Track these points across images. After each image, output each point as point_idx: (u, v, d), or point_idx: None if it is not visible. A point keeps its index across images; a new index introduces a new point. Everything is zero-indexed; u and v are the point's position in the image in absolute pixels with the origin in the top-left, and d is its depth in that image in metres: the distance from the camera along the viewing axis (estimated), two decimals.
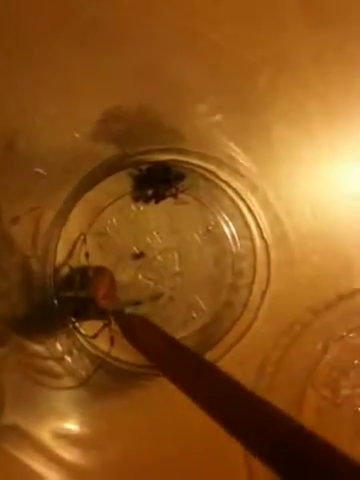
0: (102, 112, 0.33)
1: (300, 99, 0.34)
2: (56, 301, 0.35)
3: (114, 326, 0.32)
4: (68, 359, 0.34)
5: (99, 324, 0.33)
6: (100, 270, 0.35)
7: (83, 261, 0.35)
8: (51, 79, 0.31)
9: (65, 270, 0.35)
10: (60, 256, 0.36)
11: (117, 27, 0.30)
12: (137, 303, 0.36)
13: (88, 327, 0.35)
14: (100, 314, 0.33)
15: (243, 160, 0.36)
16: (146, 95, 0.33)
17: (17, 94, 0.31)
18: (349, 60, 0.33)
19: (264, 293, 0.37)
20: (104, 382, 0.35)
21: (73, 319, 0.34)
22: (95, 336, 0.34)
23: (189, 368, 0.25)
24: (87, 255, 0.35)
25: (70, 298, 0.33)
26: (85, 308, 0.33)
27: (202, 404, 0.23)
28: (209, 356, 0.36)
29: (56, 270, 0.35)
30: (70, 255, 0.35)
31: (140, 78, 0.32)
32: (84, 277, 0.34)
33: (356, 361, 0.37)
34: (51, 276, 0.35)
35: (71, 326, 0.34)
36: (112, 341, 0.34)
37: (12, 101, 0.31)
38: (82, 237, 0.35)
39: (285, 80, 0.33)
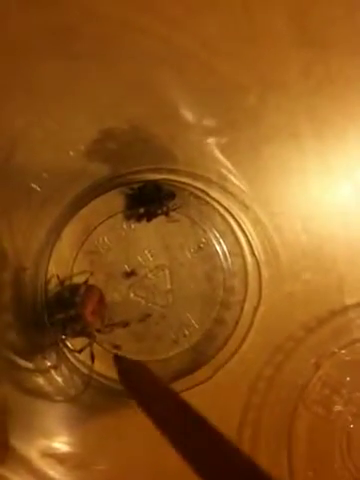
0: (96, 131, 0.33)
1: (290, 116, 0.34)
2: (46, 318, 0.34)
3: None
4: (58, 378, 0.34)
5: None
6: (89, 288, 0.35)
7: (77, 280, 0.35)
8: (49, 97, 0.31)
9: (56, 287, 0.35)
10: (51, 273, 0.36)
11: (109, 45, 0.30)
12: (126, 324, 0.36)
13: (77, 344, 0.35)
14: (87, 331, 0.33)
15: (234, 178, 0.36)
16: (138, 114, 0.33)
17: (16, 109, 0.31)
18: (338, 76, 0.33)
19: (256, 310, 0.37)
20: (93, 400, 0.34)
21: (62, 336, 0.34)
22: (80, 351, 0.34)
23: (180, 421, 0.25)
24: (92, 274, 0.35)
25: (59, 314, 0.33)
26: (73, 325, 0.33)
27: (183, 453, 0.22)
28: (201, 374, 0.36)
29: (47, 287, 0.35)
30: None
31: (132, 97, 0.32)
32: (74, 295, 0.34)
33: (348, 378, 0.37)
34: (42, 294, 0.35)
35: (60, 343, 0.34)
36: (93, 358, 0.34)
37: (12, 116, 0.31)
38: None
39: (275, 97, 0.33)
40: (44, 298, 0.35)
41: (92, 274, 0.36)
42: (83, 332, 0.33)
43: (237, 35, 0.31)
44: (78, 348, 0.34)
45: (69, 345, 0.35)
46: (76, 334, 0.33)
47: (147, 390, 0.29)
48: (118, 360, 0.32)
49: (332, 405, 0.37)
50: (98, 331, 0.34)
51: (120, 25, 0.29)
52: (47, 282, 0.35)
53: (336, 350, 0.37)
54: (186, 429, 0.24)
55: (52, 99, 0.31)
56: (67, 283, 0.35)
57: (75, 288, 0.35)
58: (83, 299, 0.34)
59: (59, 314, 0.33)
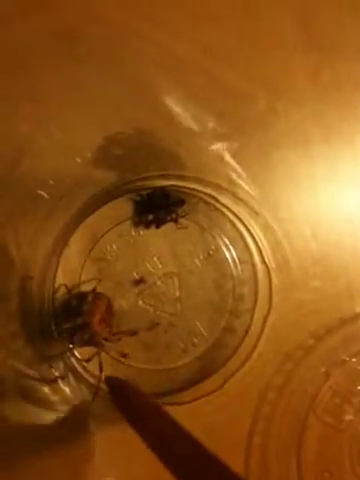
0: (102, 137, 0.33)
1: (298, 122, 0.34)
2: (54, 327, 0.34)
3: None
4: (65, 388, 0.34)
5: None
6: (97, 296, 0.35)
7: (85, 287, 0.35)
8: (53, 104, 0.31)
9: (63, 296, 0.35)
10: (59, 281, 0.35)
11: (112, 52, 0.30)
12: (134, 333, 0.35)
13: (85, 353, 0.35)
14: (94, 340, 0.33)
15: (243, 184, 0.36)
16: (143, 120, 0.33)
17: (21, 116, 0.31)
18: (346, 82, 0.33)
19: (266, 319, 0.36)
20: (101, 411, 0.34)
21: (70, 346, 0.33)
22: (88, 360, 0.34)
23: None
24: (99, 281, 0.35)
25: (66, 323, 0.33)
26: (81, 334, 0.32)
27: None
28: (210, 383, 0.36)
29: (55, 295, 0.34)
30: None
31: (136, 103, 0.32)
32: (81, 303, 0.34)
33: (359, 387, 0.37)
34: (49, 302, 0.34)
35: (68, 353, 0.34)
36: (101, 367, 0.33)
37: (17, 123, 0.31)
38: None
39: (282, 103, 0.33)
40: (51, 307, 0.35)
41: (100, 281, 0.35)
42: (91, 341, 0.33)
43: (242, 41, 0.31)
44: (86, 357, 0.34)
45: (77, 355, 0.35)
46: (84, 343, 0.33)
47: (138, 410, 0.29)
48: (109, 381, 0.32)
49: (342, 414, 0.37)
50: (106, 340, 0.34)
51: (123, 32, 0.29)
52: (55, 291, 0.35)
53: (346, 358, 0.37)
54: (177, 449, 0.24)
55: (55, 106, 0.31)
56: (75, 291, 0.35)
57: (83, 296, 0.34)
58: (90, 307, 0.34)
59: (66, 323, 0.33)
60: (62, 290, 0.35)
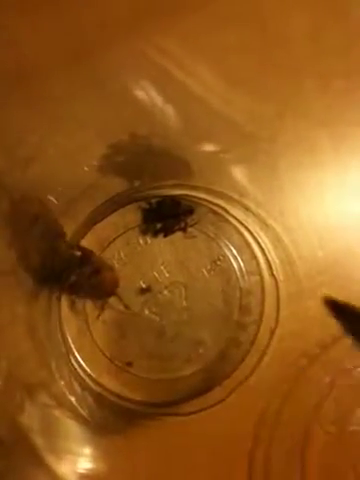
0: (106, 146, 0.32)
1: (306, 130, 0.33)
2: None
3: None
4: (70, 397, 0.34)
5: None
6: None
7: None
8: (58, 113, 0.31)
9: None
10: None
11: (115, 67, 0.30)
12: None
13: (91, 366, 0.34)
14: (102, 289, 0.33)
15: (251, 193, 0.36)
16: (147, 130, 0.33)
17: (29, 126, 0.31)
18: (356, 91, 0.32)
19: (273, 332, 0.36)
20: (105, 421, 0.34)
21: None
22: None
23: None
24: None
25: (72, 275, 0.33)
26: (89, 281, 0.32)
27: None
28: (215, 394, 0.36)
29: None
30: None
31: (139, 113, 0.32)
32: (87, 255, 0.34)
33: None
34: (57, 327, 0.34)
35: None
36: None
37: (26, 132, 0.31)
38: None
39: (291, 111, 0.33)
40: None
41: None
42: (99, 289, 0.33)
43: (250, 51, 0.30)
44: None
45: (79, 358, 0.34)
46: (90, 292, 0.33)
47: None
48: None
49: (346, 424, 0.37)
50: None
51: (128, 50, 0.29)
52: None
53: (351, 368, 0.36)
54: None
55: (59, 116, 0.31)
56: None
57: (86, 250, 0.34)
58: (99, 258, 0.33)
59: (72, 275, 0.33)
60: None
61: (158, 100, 0.31)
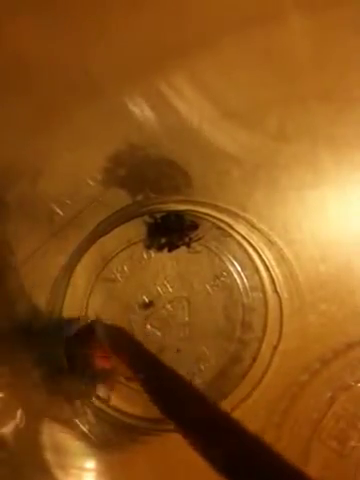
0: (106, 159, 0.32)
1: (309, 144, 0.33)
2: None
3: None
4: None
5: None
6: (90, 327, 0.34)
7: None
8: (66, 129, 0.31)
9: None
10: (68, 300, 0.35)
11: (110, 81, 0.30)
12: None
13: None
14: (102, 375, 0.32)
15: (254, 209, 0.36)
16: (147, 144, 0.33)
17: (40, 137, 0.31)
18: (358, 104, 0.32)
19: (275, 349, 0.36)
20: (105, 436, 0.34)
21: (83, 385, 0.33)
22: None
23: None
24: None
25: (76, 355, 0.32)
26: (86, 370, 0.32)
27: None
28: None
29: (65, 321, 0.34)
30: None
31: (137, 126, 0.32)
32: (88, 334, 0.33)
33: None
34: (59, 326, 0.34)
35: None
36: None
37: (35, 143, 0.31)
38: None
39: (294, 125, 0.33)
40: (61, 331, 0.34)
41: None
42: (98, 377, 0.32)
43: (252, 62, 0.31)
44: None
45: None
46: (95, 380, 0.32)
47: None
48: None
49: (347, 440, 0.36)
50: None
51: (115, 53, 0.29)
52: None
53: (352, 383, 0.36)
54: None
55: (64, 129, 0.31)
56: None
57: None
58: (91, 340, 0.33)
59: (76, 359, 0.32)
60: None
61: (160, 122, 0.31)
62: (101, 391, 0.34)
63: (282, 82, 0.31)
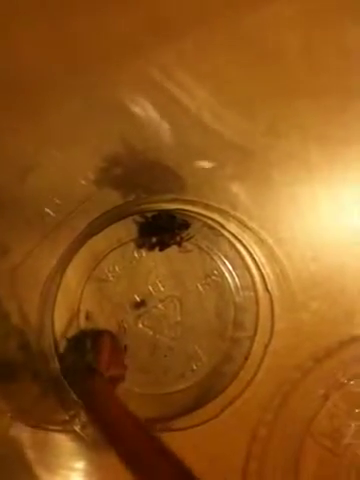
0: (102, 159, 0.32)
1: (300, 143, 0.33)
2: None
3: None
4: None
5: None
6: (98, 338, 0.34)
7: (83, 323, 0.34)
8: (58, 126, 0.31)
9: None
10: (59, 300, 0.35)
11: (108, 80, 0.30)
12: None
13: None
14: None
15: (245, 207, 0.36)
16: (144, 143, 0.33)
17: (30, 137, 0.31)
18: (350, 105, 0.33)
19: (266, 347, 0.36)
20: (96, 436, 0.34)
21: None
22: None
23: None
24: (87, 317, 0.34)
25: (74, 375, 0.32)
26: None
27: None
28: (208, 410, 0.35)
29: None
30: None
31: (135, 127, 0.32)
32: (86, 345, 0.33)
33: (357, 410, 0.37)
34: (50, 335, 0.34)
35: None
36: None
37: (21, 145, 0.31)
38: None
39: (285, 125, 0.33)
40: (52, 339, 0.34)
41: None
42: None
43: (245, 64, 0.31)
44: None
45: None
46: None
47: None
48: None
49: (340, 438, 0.37)
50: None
51: (126, 66, 0.29)
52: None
53: (345, 381, 0.37)
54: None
55: (56, 128, 0.31)
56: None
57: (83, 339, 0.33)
58: (95, 354, 0.32)
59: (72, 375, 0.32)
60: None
61: (154, 115, 0.31)
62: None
63: (272, 78, 0.31)
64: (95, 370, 0.31)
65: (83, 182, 0.33)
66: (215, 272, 0.37)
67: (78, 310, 0.36)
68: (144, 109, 0.31)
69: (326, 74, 0.31)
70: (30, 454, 0.31)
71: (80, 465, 0.33)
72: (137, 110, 0.31)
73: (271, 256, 0.37)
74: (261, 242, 0.37)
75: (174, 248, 0.36)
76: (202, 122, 0.32)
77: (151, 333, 0.36)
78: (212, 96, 0.31)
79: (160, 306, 0.36)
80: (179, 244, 0.36)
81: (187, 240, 0.36)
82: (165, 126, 0.32)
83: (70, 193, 0.33)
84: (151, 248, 0.36)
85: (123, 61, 0.28)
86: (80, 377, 0.31)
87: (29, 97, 0.29)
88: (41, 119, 0.30)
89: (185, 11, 0.27)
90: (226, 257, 0.37)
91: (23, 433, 0.31)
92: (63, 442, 0.33)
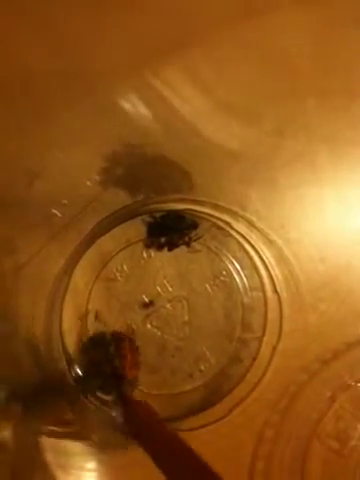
0: (104, 159, 0.32)
1: (307, 144, 0.33)
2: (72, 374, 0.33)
3: None
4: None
5: None
6: (118, 342, 0.34)
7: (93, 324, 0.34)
8: (61, 130, 0.31)
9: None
10: (68, 299, 0.35)
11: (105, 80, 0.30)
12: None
13: None
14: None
15: (253, 208, 0.36)
16: (148, 143, 0.33)
17: (34, 140, 0.31)
18: (356, 106, 0.32)
19: (274, 349, 0.36)
20: (106, 437, 0.34)
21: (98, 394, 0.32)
22: None
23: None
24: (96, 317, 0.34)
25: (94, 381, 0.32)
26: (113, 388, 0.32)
27: None
28: (216, 410, 0.35)
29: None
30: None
31: (133, 125, 0.32)
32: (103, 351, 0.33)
33: None
34: (59, 339, 0.34)
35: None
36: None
37: (29, 146, 0.31)
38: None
39: (292, 127, 0.33)
40: (61, 345, 0.34)
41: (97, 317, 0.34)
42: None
43: (252, 63, 0.30)
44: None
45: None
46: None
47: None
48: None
49: (347, 439, 0.36)
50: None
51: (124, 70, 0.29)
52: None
53: (352, 383, 0.36)
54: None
55: (59, 130, 0.31)
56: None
57: (100, 343, 0.33)
58: (117, 358, 0.33)
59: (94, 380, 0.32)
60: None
61: (155, 116, 0.31)
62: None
63: (279, 79, 0.31)
64: (122, 375, 0.31)
65: (88, 183, 0.33)
66: (223, 272, 0.37)
67: (86, 310, 0.35)
68: (146, 115, 0.31)
69: (333, 75, 0.31)
70: (44, 454, 0.31)
71: (91, 465, 0.33)
72: (138, 115, 0.31)
73: (280, 257, 0.37)
74: (270, 243, 0.36)
75: (183, 248, 0.36)
76: (208, 122, 0.32)
77: (159, 333, 0.36)
78: (218, 97, 0.31)
79: (168, 306, 0.36)
80: (188, 244, 0.36)
81: (196, 240, 0.36)
82: (170, 129, 0.32)
83: (77, 194, 0.33)
84: (160, 248, 0.36)
85: (124, 71, 0.28)
86: (108, 383, 0.31)
87: (35, 101, 0.29)
88: (46, 122, 0.30)
89: (188, 19, 0.27)
90: (235, 257, 0.37)
91: (36, 433, 0.31)
92: (74, 443, 0.33)
